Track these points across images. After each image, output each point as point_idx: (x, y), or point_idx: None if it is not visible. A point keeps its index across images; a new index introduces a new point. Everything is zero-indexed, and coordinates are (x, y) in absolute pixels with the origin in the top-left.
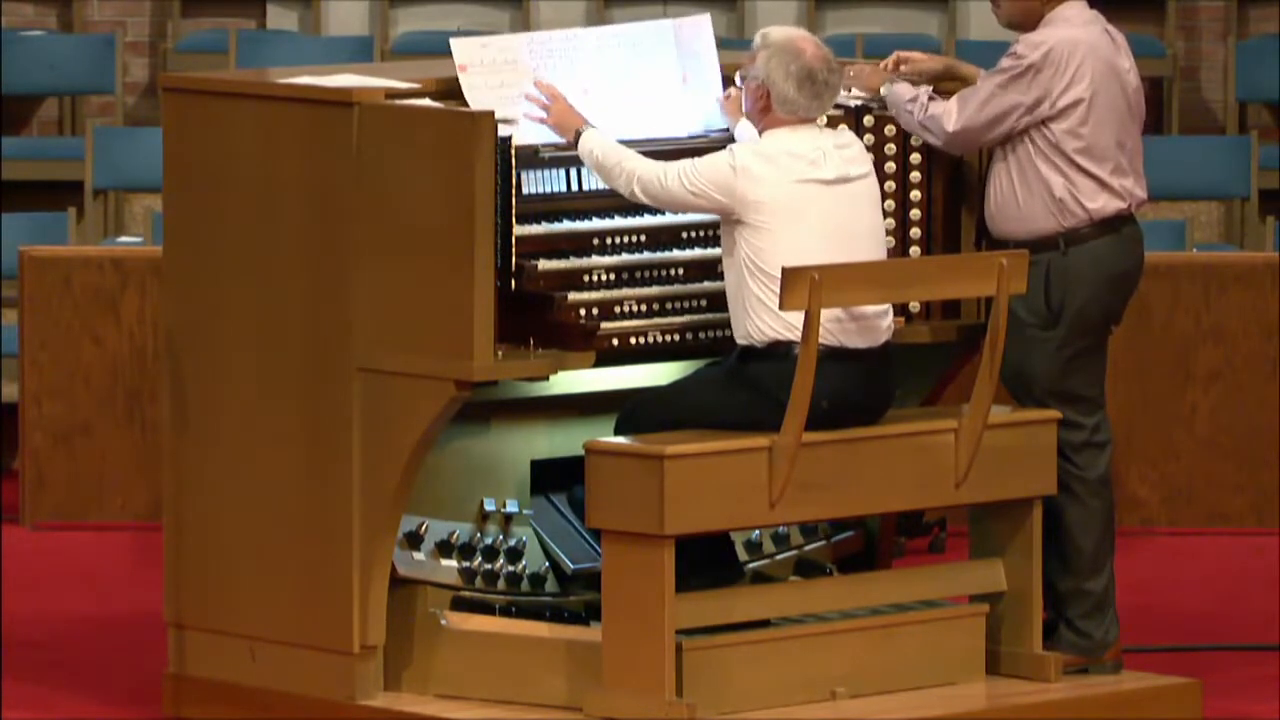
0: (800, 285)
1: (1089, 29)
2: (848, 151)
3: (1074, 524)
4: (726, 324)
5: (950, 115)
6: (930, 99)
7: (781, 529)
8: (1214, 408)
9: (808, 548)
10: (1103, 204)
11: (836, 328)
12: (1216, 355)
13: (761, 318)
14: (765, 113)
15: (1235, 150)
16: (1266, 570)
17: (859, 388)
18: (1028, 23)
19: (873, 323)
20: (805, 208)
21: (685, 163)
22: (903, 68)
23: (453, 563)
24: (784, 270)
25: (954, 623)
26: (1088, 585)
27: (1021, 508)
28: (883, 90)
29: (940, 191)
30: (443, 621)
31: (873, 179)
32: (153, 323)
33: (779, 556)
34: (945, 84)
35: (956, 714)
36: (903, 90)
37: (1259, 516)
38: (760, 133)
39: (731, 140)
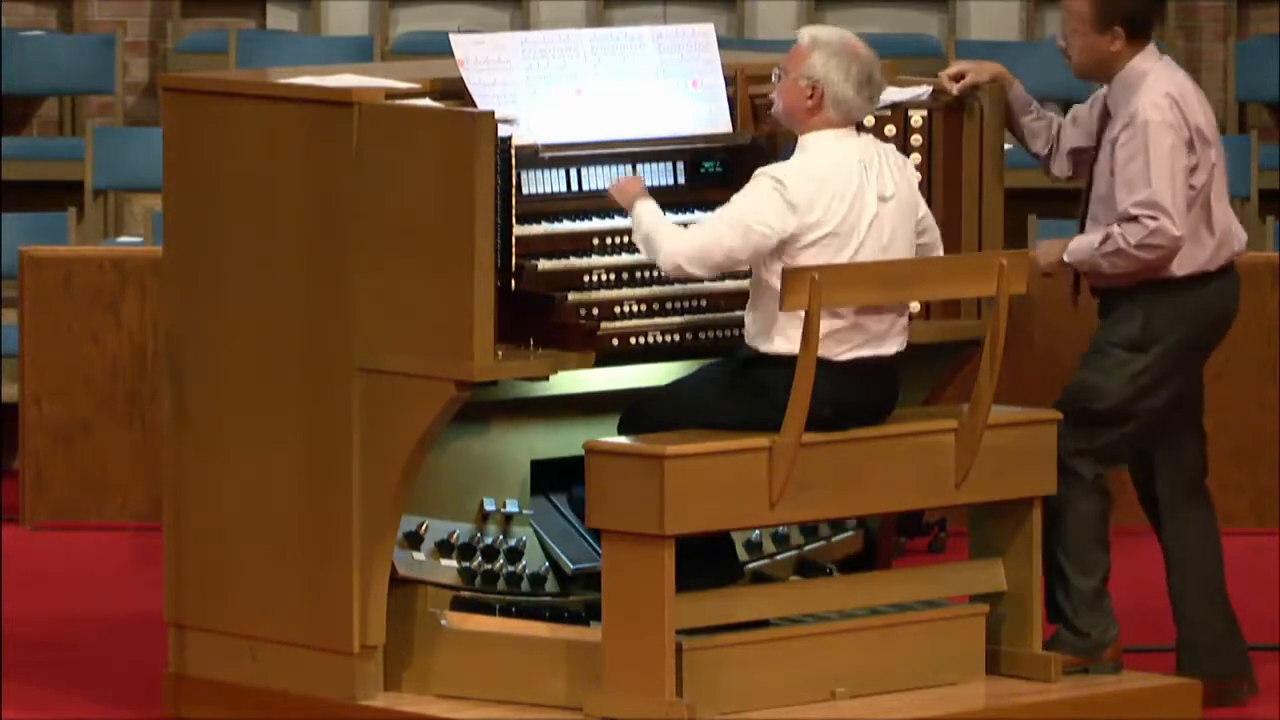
0: (800, 285)
1: (1178, 72)
2: (889, 163)
3: (1075, 523)
4: (726, 324)
5: (1163, 224)
6: (1119, 225)
7: (781, 529)
8: (1214, 408)
9: (808, 548)
10: (1219, 246)
11: (850, 342)
12: (1217, 355)
13: (775, 334)
14: (813, 113)
15: (1235, 150)
16: (1266, 570)
17: (862, 394)
18: (1101, 72)
19: (886, 340)
20: (853, 235)
21: (735, 216)
22: (969, 78)
23: (453, 563)
24: (784, 270)
25: (954, 623)
26: (1080, 583)
27: (1021, 508)
28: (1065, 258)
29: (940, 193)
30: (443, 621)
31: (905, 193)
32: (153, 323)
33: (779, 556)
34: (989, 87)
35: (956, 714)
36: (1084, 243)
37: (1259, 516)
38: (801, 133)
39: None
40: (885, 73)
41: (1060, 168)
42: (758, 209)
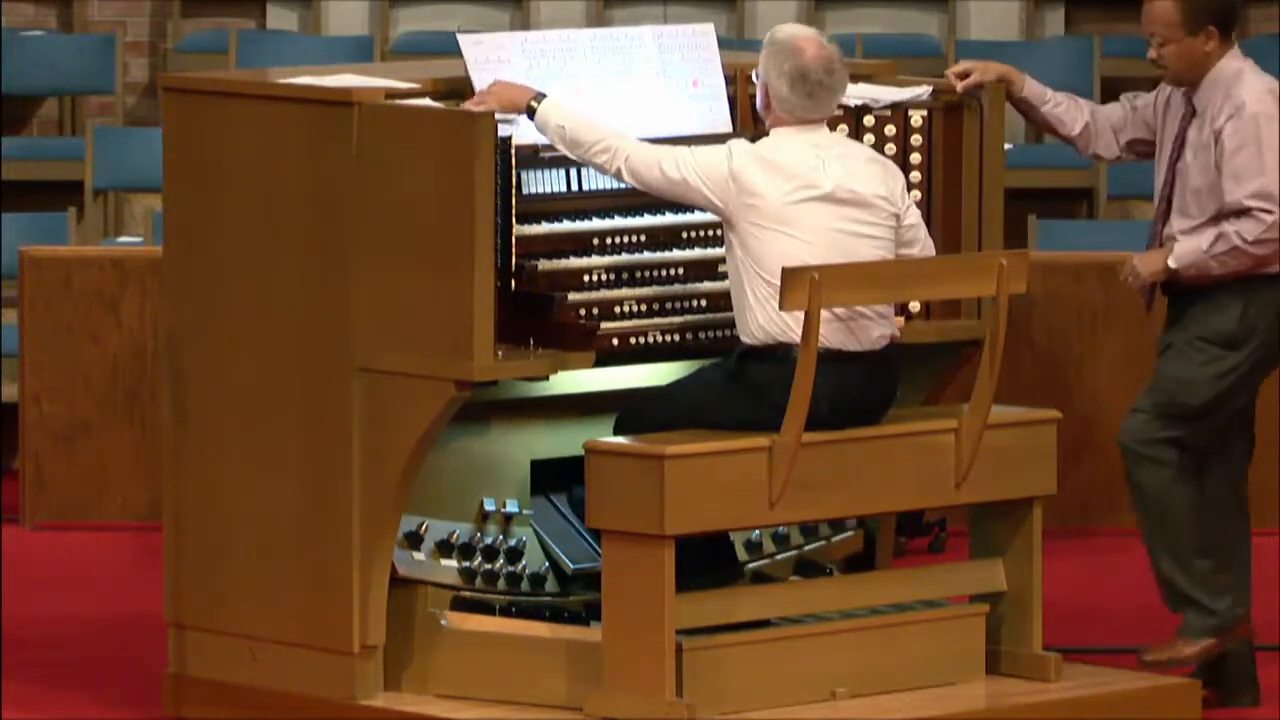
0: (800, 285)
1: (1264, 75)
2: (856, 165)
3: (1182, 506)
4: (726, 324)
5: (1271, 215)
6: (1223, 220)
7: (781, 529)
8: None
9: (808, 548)
10: None
11: (826, 329)
12: None
13: (756, 318)
14: (768, 110)
15: None
16: (1266, 570)
17: (859, 391)
18: (1196, 74)
19: (863, 323)
20: (798, 219)
21: (682, 152)
22: (974, 76)
23: (453, 563)
24: (784, 270)
25: (954, 623)
26: (1197, 563)
27: (1021, 508)
28: (1171, 264)
29: (940, 191)
30: (443, 621)
31: (882, 199)
32: (153, 323)
33: (779, 556)
34: (991, 87)
35: (956, 714)
36: (1191, 246)
37: (1259, 517)
38: (767, 130)
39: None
40: (844, 72)
41: (1109, 149)
42: (701, 159)
